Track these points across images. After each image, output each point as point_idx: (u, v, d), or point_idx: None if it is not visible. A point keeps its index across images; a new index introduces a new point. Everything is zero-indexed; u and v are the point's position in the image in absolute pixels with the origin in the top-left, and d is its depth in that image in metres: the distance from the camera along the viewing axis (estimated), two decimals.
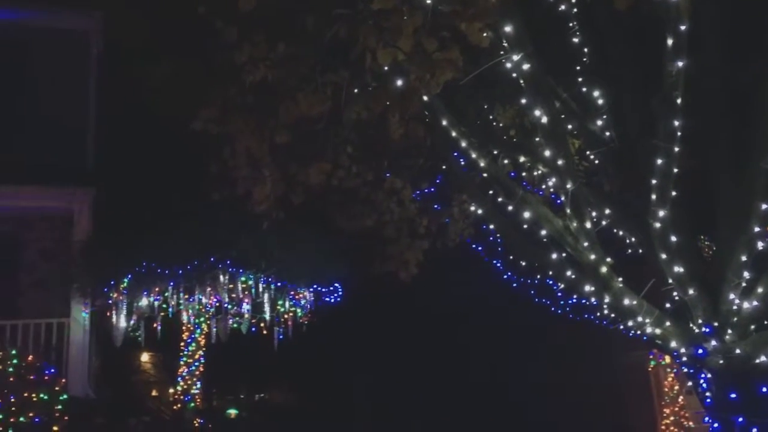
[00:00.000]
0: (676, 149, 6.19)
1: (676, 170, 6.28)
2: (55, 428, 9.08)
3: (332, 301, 12.88)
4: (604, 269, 6.75)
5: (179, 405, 13.35)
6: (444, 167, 8.49)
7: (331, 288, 12.64)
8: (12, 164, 11.20)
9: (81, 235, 11.07)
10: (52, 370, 9.56)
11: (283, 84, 6.10)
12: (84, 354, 10.93)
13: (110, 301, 11.35)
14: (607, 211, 7.34)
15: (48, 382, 9.31)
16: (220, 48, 6.39)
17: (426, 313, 15.80)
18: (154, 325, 11.88)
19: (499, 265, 10.64)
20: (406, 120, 6.43)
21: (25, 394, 9.00)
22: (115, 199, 11.54)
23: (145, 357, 20.27)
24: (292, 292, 12.17)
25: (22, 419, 8.87)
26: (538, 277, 9.80)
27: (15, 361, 9.17)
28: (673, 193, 6.37)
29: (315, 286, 12.28)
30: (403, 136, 6.43)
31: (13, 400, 8.92)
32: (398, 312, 15.60)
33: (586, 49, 7.54)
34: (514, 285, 10.86)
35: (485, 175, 7.72)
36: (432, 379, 16.10)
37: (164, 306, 11.61)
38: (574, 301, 9.60)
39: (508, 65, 6.37)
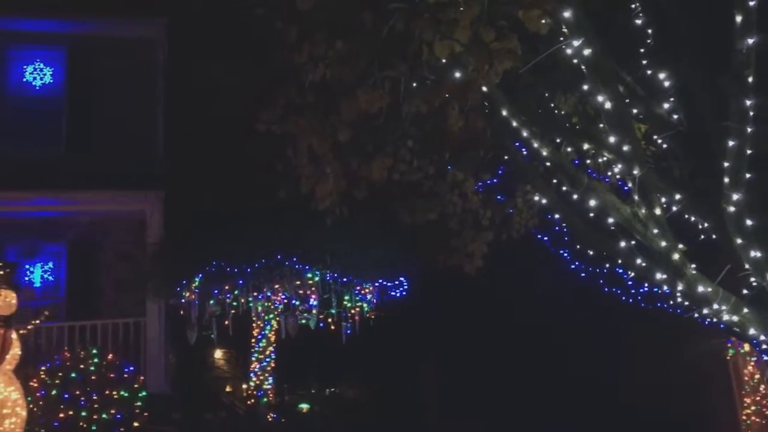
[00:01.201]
0: (749, 130, 5.96)
1: (749, 152, 6.04)
2: (135, 424, 9.40)
3: (398, 295, 12.93)
4: (676, 256, 6.56)
5: (253, 400, 13.66)
6: (506, 158, 8.39)
7: (396, 282, 12.70)
8: (88, 171, 11.71)
9: (154, 236, 11.46)
10: (131, 368, 9.90)
11: (343, 81, 6.15)
12: (160, 352, 11.32)
13: (183, 300, 11.70)
14: (678, 197, 7.11)
15: (128, 379, 9.65)
16: (279, 48, 6.48)
17: (493, 305, 15.66)
18: (226, 322, 12.18)
19: (566, 255, 10.47)
20: (466, 112, 6.38)
21: (107, 392, 9.36)
22: (184, 200, 11.87)
23: (217, 354, 20.78)
24: (358, 287, 12.28)
25: (104, 416, 9.23)
26: (607, 266, 9.60)
27: (96, 360, 9.55)
28: (748, 176, 6.13)
29: (380, 281, 12.35)
30: (462, 128, 6.39)
31: (95, 397, 9.28)
32: (465, 305, 15.51)
33: (650, 30, 7.33)
34: (582, 275, 10.67)
35: (548, 164, 7.59)
36: (501, 373, 15.95)
37: (234, 304, 11.89)
38: (646, 289, 9.37)
39: (569, 51, 6.24)
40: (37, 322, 7.94)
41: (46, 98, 12.62)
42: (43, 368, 9.43)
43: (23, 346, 7.49)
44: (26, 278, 11.90)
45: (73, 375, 9.34)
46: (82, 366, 9.48)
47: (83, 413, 9.11)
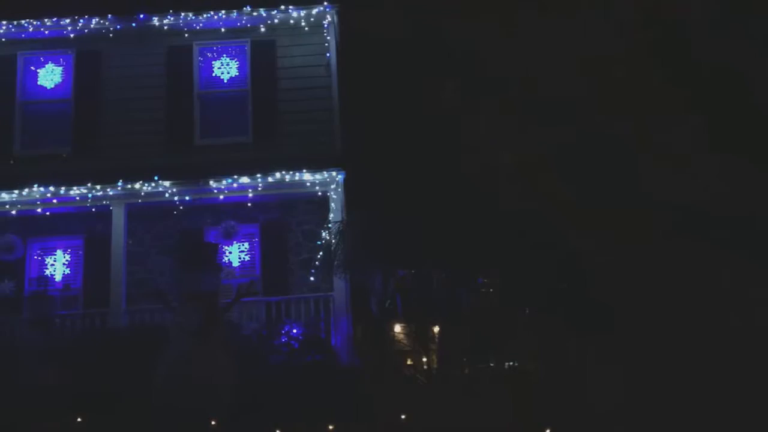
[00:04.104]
0: None
1: None
2: None
3: None
4: None
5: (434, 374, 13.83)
6: None
7: None
8: (275, 156, 12.48)
9: (336, 215, 11.95)
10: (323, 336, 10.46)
11: None
12: (347, 325, 11.84)
13: (366, 276, 12.11)
14: None
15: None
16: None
17: None
18: (407, 296, 12.43)
19: None
20: None
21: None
22: (363, 178, 12.24)
23: (397, 328, 21.31)
24: None
25: None
26: None
27: (294, 332, 10.22)
28: None
29: None
30: None
31: None
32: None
33: None
34: None
35: None
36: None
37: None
38: None
39: None
40: (239, 297, 8.56)
41: (233, 90, 13.55)
42: None
43: (227, 319, 8.12)
44: (225, 258, 12.89)
45: None
46: None
47: None
